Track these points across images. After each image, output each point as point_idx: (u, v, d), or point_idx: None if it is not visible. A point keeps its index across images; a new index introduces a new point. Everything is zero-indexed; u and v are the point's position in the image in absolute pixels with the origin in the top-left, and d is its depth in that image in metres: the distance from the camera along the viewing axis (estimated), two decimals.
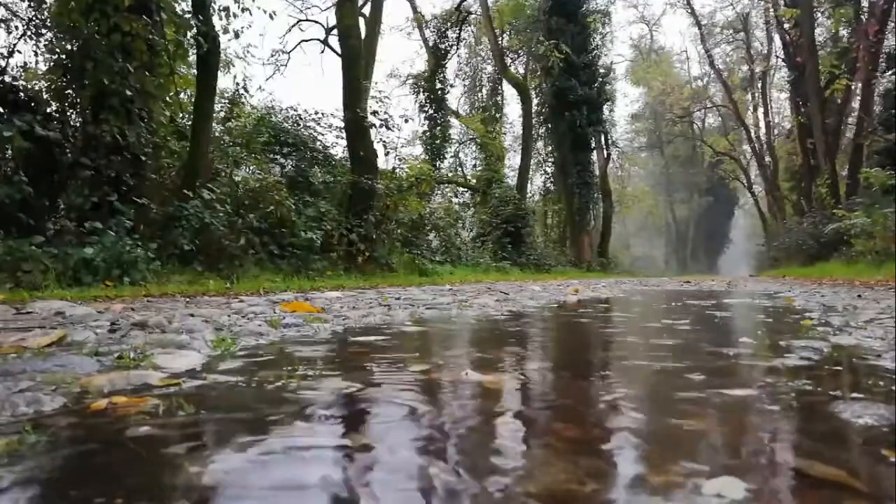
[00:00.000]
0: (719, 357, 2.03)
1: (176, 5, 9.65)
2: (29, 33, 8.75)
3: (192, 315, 3.29)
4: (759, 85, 35.93)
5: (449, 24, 28.99)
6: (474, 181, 28.09)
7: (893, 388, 1.44)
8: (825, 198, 20.49)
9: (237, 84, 14.09)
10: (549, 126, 29.50)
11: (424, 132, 27.92)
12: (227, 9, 10.11)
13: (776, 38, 32.07)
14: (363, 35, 15.01)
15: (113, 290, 6.06)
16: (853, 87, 22.76)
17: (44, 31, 8.83)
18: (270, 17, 11.79)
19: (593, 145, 30.09)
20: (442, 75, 29.07)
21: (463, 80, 33.06)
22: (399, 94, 41.04)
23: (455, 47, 30.21)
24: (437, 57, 28.70)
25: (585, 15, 28.28)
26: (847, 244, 15.63)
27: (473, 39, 31.92)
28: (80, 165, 7.70)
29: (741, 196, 51.92)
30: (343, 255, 11.62)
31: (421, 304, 4.83)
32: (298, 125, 14.51)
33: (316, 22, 29.07)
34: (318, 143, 14.68)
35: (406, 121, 18.06)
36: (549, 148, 31.23)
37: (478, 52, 32.63)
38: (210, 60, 10.19)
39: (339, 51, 15.41)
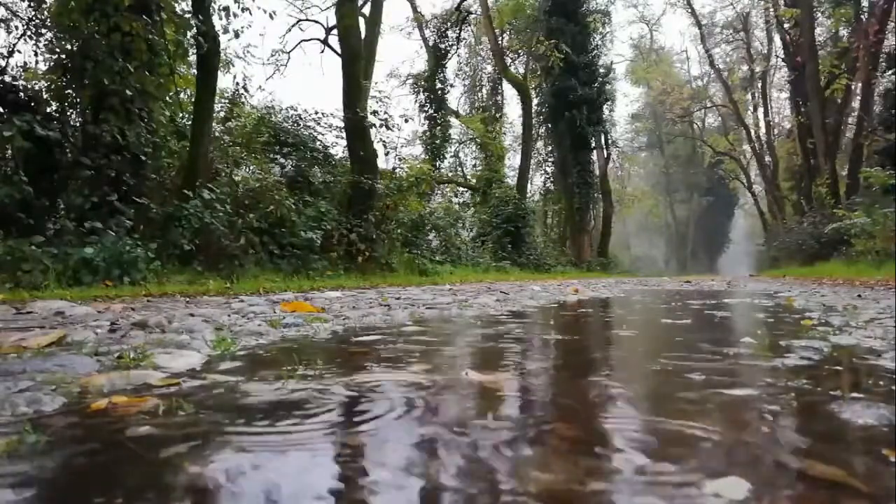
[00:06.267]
0: (719, 357, 2.03)
1: (176, 5, 9.66)
2: (29, 33, 8.76)
3: (192, 315, 3.29)
4: (759, 85, 35.97)
5: (449, 24, 28.99)
6: (474, 181, 28.11)
7: (893, 387, 1.44)
8: (825, 198, 20.51)
9: (237, 84, 14.13)
10: (549, 126, 29.54)
11: (424, 132, 27.93)
12: (227, 9, 10.12)
13: (776, 38, 32.15)
14: (363, 35, 15.00)
15: (113, 290, 6.06)
16: (853, 87, 22.78)
17: (44, 31, 8.83)
18: (270, 17, 11.81)
19: (593, 145, 30.13)
20: (442, 75, 29.07)
21: (463, 80, 33.12)
22: (399, 94, 41.13)
23: (455, 47, 30.25)
24: (437, 57, 28.70)
25: (585, 15, 28.33)
26: (847, 244, 15.65)
27: (473, 39, 31.94)
28: (80, 165, 7.71)
29: (741, 196, 51.92)
30: (343, 255, 11.63)
31: (421, 303, 4.82)
32: (298, 125, 14.50)
33: (316, 22, 29.12)
34: (318, 143, 14.68)
35: (406, 121, 18.09)
36: (549, 148, 31.26)
37: (478, 52, 32.65)
38: (210, 60, 10.20)
39: (339, 51, 15.41)
